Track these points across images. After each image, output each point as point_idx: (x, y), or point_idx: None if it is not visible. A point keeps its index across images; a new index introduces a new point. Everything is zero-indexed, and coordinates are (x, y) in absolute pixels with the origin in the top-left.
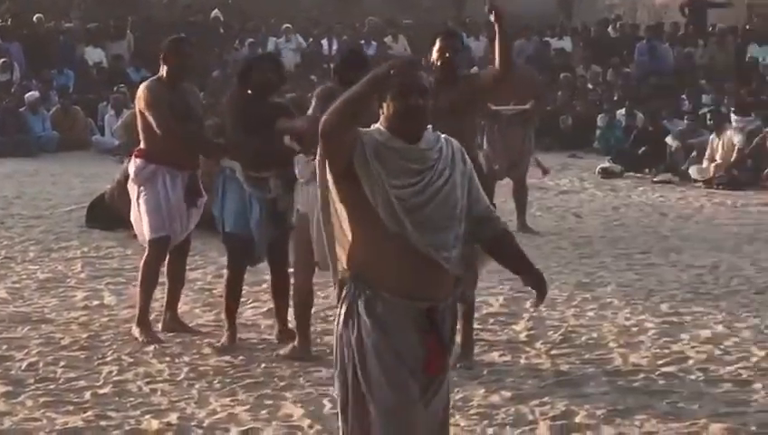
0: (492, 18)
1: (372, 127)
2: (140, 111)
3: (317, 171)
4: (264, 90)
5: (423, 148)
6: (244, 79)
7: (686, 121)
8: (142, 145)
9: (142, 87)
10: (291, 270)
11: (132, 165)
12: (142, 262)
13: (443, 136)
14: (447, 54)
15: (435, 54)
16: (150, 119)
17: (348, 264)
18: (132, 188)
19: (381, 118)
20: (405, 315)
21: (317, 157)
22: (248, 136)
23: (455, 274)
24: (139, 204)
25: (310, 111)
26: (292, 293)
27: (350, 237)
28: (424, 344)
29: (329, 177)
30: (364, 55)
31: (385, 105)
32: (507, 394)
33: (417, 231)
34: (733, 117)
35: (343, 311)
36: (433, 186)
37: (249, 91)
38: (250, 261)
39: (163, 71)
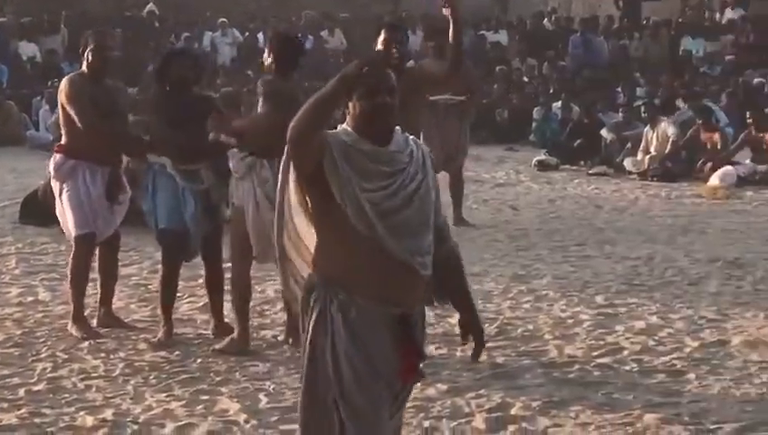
0: (448, 13)
1: (339, 127)
2: (62, 105)
3: (280, 175)
4: (182, 85)
5: (393, 150)
6: (161, 75)
7: (620, 114)
8: (63, 140)
9: (64, 80)
10: (227, 264)
11: (52, 161)
12: (70, 259)
13: (411, 138)
14: (393, 47)
15: (380, 47)
16: (71, 113)
17: (315, 268)
18: (55, 185)
19: (348, 118)
20: (379, 321)
21: (282, 160)
22: (173, 131)
23: (427, 279)
24: (62, 200)
25: (260, 109)
26: (229, 287)
27: (314, 241)
28: (399, 352)
29: (292, 181)
30: (300, 42)
31: (351, 105)
32: (443, 387)
33: (392, 236)
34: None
35: (314, 317)
36: (406, 189)
37: (167, 88)
38: (185, 256)
39: (84, 65)
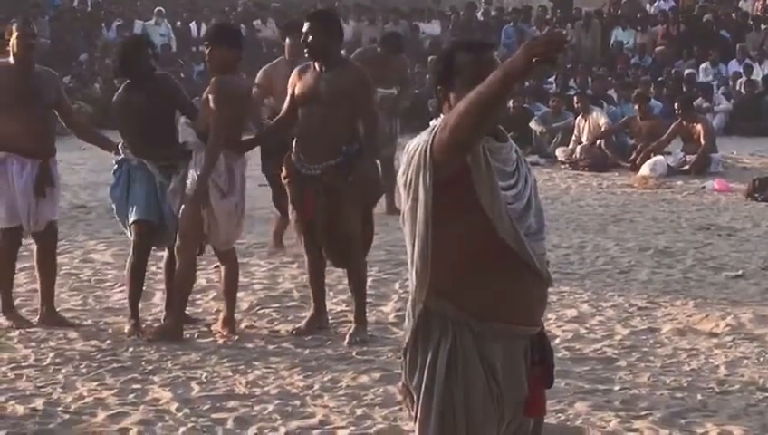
0: None
1: (435, 122)
2: None
3: (415, 184)
4: (147, 75)
5: (509, 145)
6: (124, 69)
7: (551, 103)
8: None
9: None
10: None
11: None
12: None
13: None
14: (309, 39)
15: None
16: None
17: (437, 292)
18: None
19: (446, 110)
20: (516, 347)
21: (411, 169)
22: (148, 135)
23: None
24: None
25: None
26: (175, 274)
27: (441, 258)
28: (530, 380)
29: (422, 189)
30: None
31: (453, 96)
32: (376, 375)
33: (530, 240)
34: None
35: (444, 358)
36: (527, 190)
37: (129, 81)
38: (161, 245)
39: (11, 54)
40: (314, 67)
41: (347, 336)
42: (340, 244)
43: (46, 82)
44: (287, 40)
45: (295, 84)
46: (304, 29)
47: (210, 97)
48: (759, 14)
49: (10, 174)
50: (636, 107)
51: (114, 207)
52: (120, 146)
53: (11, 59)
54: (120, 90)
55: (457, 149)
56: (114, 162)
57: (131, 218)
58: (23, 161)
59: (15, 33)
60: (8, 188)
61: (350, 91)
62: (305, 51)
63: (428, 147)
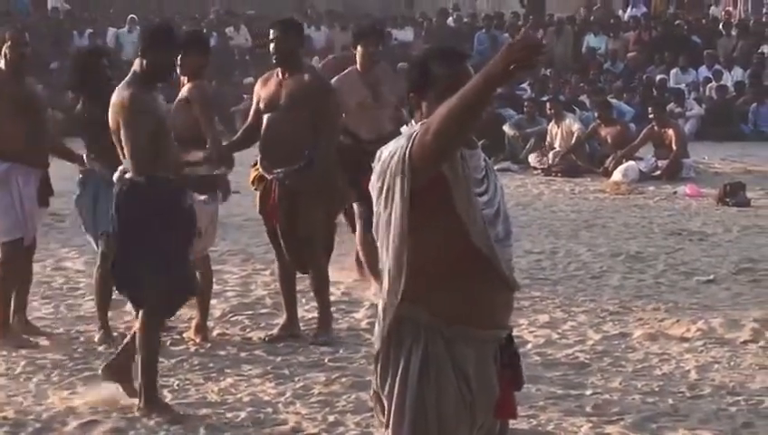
0: None
1: (406, 128)
2: None
3: (392, 190)
4: (103, 87)
5: (478, 153)
6: (80, 83)
7: (525, 109)
8: None
9: None
10: None
11: None
12: None
13: None
14: (276, 46)
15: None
16: None
17: (410, 298)
18: None
19: (420, 117)
20: (487, 351)
21: (388, 175)
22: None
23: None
24: None
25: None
26: None
27: (413, 264)
28: (500, 382)
29: (399, 196)
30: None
31: (425, 105)
32: (348, 382)
33: (498, 247)
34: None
35: (417, 362)
36: (496, 196)
37: (85, 94)
38: None
39: (2, 62)
40: (277, 74)
41: (311, 337)
42: (300, 246)
43: (37, 90)
44: (359, 48)
45: (260, 93)
46: (270, 36)
47: (194, 99)
48: (723, 20)
49: (16, 186)
50: (596, 114)
51: (81, 216)
52: (84, 157)
53: (2, 66)
54: (79, 103)
55: (440, 154)
56: (80, 173)
57: (101, 229)
58: (27, 171)
59: (8, 42)
60: (11, 200)
61: (309, 97)
62: (273, 58)
63: (407, 153)
